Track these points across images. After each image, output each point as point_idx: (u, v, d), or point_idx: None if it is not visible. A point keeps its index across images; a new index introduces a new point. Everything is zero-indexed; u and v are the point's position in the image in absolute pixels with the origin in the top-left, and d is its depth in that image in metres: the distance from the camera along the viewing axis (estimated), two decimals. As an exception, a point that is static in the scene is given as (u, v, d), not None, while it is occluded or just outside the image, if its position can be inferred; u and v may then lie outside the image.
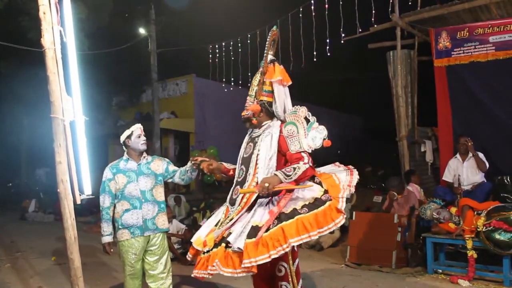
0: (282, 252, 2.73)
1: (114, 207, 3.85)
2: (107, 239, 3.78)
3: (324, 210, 2.83)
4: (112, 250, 3.82)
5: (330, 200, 2.89)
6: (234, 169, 3.51)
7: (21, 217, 11.57)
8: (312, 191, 2.98)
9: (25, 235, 8.85)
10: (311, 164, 3.01)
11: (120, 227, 3.78)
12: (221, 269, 2.81)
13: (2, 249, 7.53)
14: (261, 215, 2.92)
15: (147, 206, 3.80)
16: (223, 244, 2.89)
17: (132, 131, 3.88)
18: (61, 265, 6.24)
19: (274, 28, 3.37)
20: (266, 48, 3.29)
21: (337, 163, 3.40)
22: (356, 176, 3.18)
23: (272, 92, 3.26)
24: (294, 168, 2.96)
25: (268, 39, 3.30)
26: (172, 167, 4.01)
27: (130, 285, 3.84)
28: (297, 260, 3.20)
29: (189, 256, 3.30)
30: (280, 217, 2.82)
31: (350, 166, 3.28)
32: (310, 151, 3.11)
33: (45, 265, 6.37)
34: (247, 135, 3.45)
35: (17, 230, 9.45)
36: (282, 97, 3.27)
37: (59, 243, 7.44)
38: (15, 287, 5.32)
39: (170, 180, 4.05)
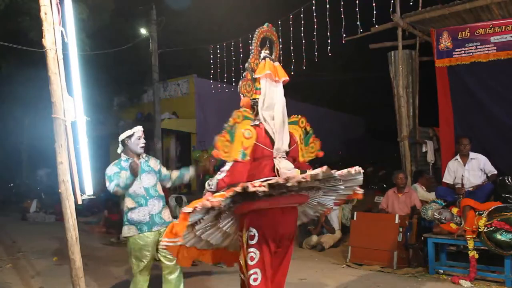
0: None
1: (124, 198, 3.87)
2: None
3: (175, 222, 2.75)
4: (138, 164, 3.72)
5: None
6: None
7: (22, 218, 11.57)
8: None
9: (26, 235, 8.84)
10: (224, 176, 2.70)
11: (126, 222, 3.81)
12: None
13: (4, 249, 7.53)
14: None
15: (152, 202, 3.84)
16: None
17: (134, 132, 3.91)
18: (62, 265, 6.23)
19: (265, 25, 3.07)
20: (253, 45, 3.03)
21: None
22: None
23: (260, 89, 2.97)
24: (215, 179, 2.74)
25: (255, 36, 3.03)
26: (164, 171, 4.09)
27: (140, 281, 3.87)
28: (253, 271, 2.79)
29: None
30: None
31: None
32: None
33: (46, 265, 6.37)
34: None
35: (18, 231, 9.44)
36: (270, 94, 2.96)
37: (60, 243, 7.43)
38: (17, 287, 5.32)
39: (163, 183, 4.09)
